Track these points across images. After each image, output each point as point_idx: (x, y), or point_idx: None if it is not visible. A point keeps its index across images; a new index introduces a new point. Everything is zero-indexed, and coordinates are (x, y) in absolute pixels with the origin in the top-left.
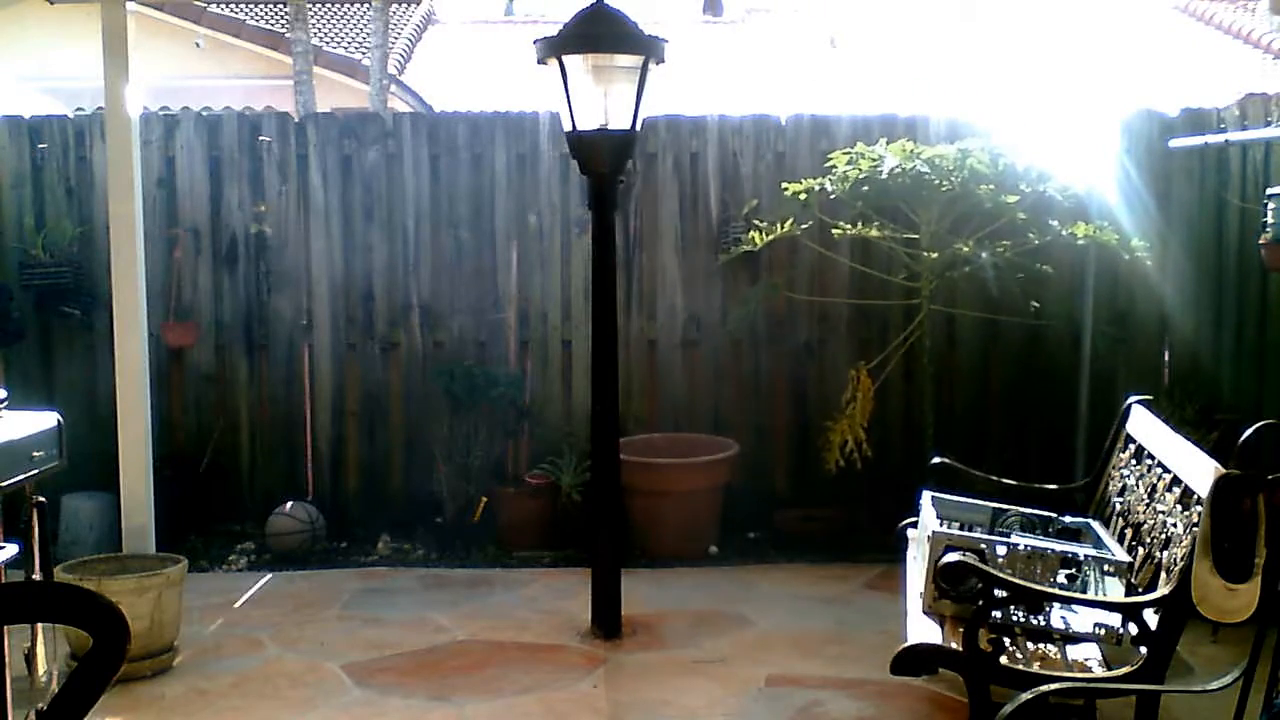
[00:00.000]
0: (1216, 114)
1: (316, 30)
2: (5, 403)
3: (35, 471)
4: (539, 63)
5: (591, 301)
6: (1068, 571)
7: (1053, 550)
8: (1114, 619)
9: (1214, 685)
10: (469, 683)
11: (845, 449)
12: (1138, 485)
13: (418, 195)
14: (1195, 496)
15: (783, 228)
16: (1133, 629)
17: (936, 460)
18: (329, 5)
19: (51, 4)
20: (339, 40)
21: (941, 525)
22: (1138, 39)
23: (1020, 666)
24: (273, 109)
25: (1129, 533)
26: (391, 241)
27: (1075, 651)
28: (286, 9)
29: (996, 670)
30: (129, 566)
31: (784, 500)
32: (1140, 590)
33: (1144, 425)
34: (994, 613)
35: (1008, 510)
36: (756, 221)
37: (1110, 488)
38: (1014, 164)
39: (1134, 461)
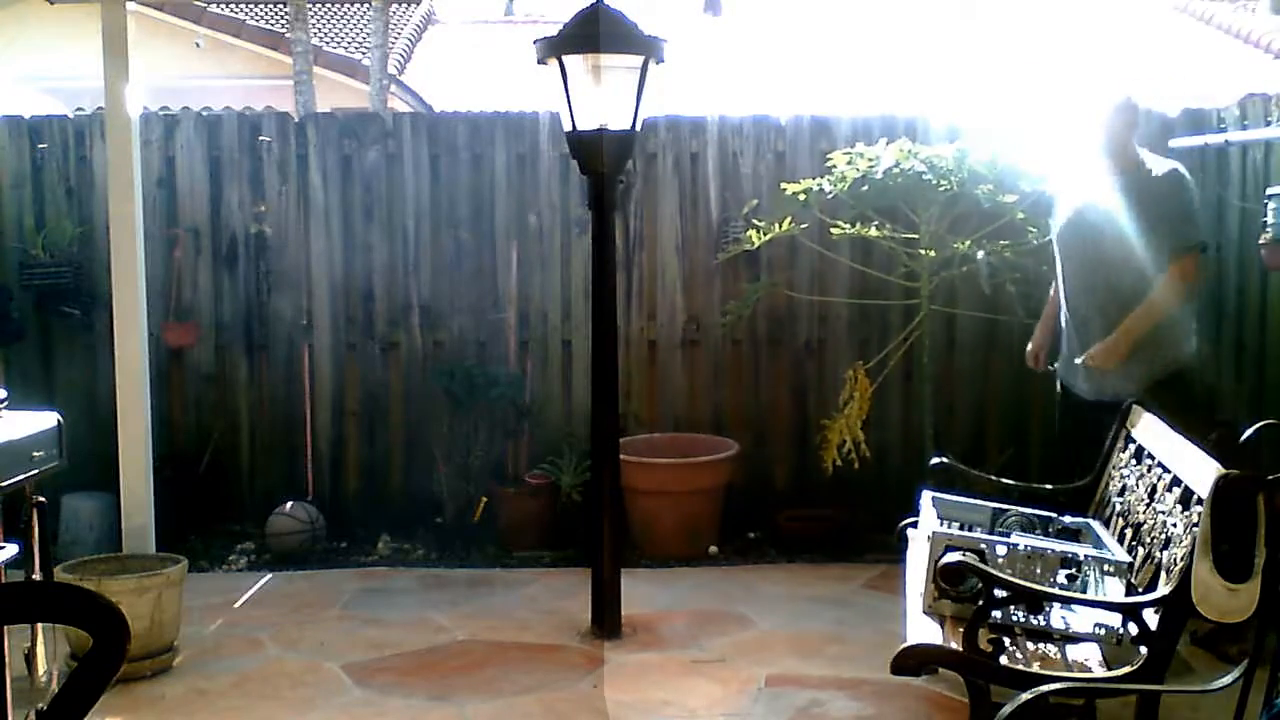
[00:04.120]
0: (1216, 114)
1: (316, 30)
2: (5, 403)
3: (35, 471)
4: (539, 63)
5: (591, 301)
6: (1068, 571)
7: (1053, 550)
8: (1114, 619)
9: (1214, 685)
10: (469, 683)
11: (843, 449)
12: (1138, 485)
13: (418, 195)
14: (1195, 496)
15: (781, 226)
16: (1133, 629)
17: (936, 460)
18: (329, 5)
19: (51, 4)
20: (339, 40)
21: (941, 525)
22: (1138, 39)
23: (1020, 666)
24: (273, 109)
25: (1129, 533)
26: (391, 241)
27: (1075, 651)
28: (286, 9)
29: (996, 670)
30: (129, 566)
31: (784, 500)
32: (1140, 590)
33: (1144, 425)
34: (994, 613)
35: (1008, 510)
36: (756, 221)
37: (1110, 488)
38: (1014, 164)
39: (1134, 461)
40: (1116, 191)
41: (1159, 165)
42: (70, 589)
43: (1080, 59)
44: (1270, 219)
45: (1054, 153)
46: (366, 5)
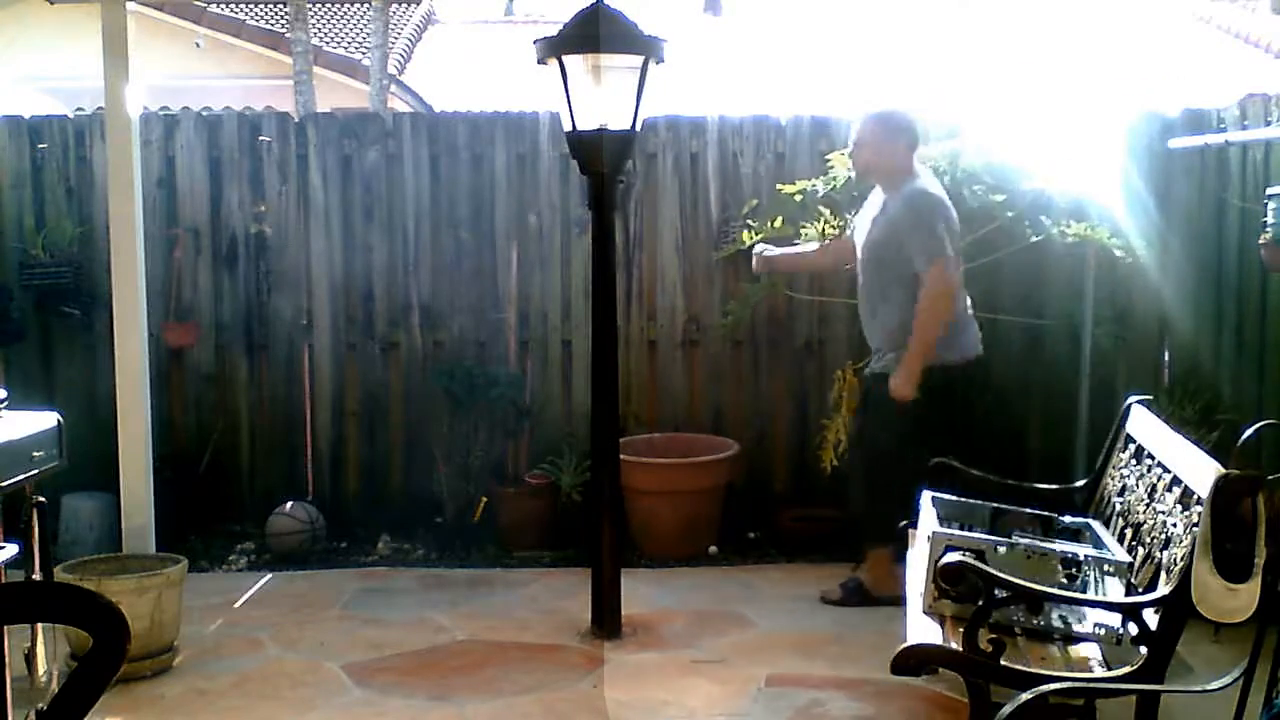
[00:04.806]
0: (1216, 114)
1: (316, 30)
2: (5, 403)
3: (35, 471)
4: (539, 63)
5: (591, 301)
6: (1068, 571)
7: (1053, 550)
8: (1114, 619)
9: (1214, 685)
10: (469, 683)
11: (838, 449)
12: (1138, 485)
13: (418, 195)
14: (1195, 496)
15: (772, 225)
16: (1133, 629)
17: (936, 460)
18: (329, 5)
19: (51, 4)
20: (339, 40)
21: (941, 525)
22: (1137, 39)
23: (1020, 666)
24: (273, 109)
25: (1129, 533)
26: (391, 241)
27: (1075, 651)
28: (286, 9)
29: (996, 670)
30: (129, 566)
31: (784, 500)
32: (1140, 590)
33: (1144, 425)
34: (994, 613)
35: (1008, 510)
36: (751, 222)
37: (1110, 488)
38: (1010, 164)
39: (1134, 461)
40: (882, 208)
41: (912, 188)
42: (70, 589)
43: (1081, 60)
44: (1270, 219)
45: (1051, 152)
46: (366, 5)
